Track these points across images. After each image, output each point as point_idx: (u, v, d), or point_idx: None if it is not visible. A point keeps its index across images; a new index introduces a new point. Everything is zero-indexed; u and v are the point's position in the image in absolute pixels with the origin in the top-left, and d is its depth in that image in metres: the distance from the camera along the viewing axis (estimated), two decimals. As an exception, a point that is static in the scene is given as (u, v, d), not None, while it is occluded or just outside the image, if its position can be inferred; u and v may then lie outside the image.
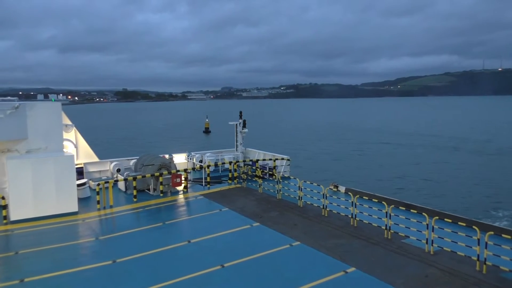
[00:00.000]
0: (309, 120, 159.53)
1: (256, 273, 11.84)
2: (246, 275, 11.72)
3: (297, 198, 19.25)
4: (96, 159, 26.05)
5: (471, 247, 12.08)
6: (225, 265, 12.34)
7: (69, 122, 24.78)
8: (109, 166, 25.60)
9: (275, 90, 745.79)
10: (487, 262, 11.57)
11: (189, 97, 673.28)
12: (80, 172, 23.61)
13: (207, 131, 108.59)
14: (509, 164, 56.54)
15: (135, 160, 24.93)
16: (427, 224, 13.22)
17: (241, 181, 23.69)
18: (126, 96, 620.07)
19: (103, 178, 23.96)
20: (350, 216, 16.37)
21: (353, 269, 11.99)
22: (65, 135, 23.63)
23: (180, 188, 22.52)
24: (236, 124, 30.09)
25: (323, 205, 17.69)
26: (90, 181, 22.99)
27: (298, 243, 14.15)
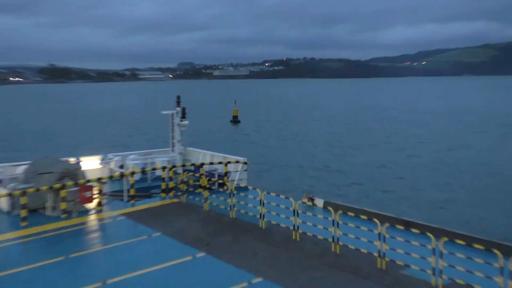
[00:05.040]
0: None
1: None
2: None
3: (258, 216, 19.37)
4: None
5: (491, 278, 12.30)
6: None
7: None
8: None
9: (257, 67, 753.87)
10: None
11: (140, 77, 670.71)
12: None
13: (235, 120, 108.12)
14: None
15: (26, 166, 24.19)
16: (433, 248, 13.45)
17: (179, 194, 23.68)
18: (55, 74, 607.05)
19: None
20: (330, 239, 16.55)
21: None
22: None
23: (92, 205, 22.36)
24: (172, 114, 29.64)
25: (294, 225, 17.81)
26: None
27: (260, 279, 14.18)
